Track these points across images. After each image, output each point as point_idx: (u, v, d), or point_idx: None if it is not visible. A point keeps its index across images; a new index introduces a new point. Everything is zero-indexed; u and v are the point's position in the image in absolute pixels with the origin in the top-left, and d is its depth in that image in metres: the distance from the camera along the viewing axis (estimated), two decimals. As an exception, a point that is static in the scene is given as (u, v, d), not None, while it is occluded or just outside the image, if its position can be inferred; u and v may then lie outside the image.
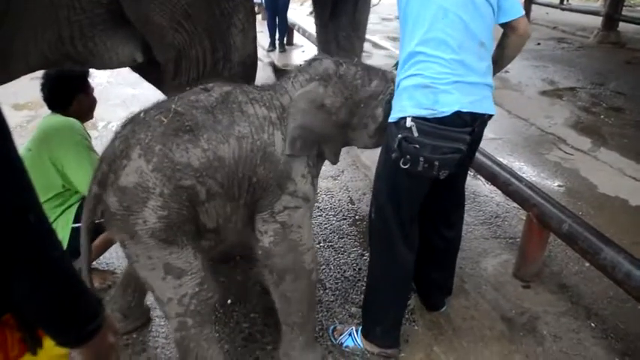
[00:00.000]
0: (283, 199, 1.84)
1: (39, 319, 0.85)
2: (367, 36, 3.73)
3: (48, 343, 0.91)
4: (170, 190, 1.63)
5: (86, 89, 2.63)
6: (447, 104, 1.79)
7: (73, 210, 2.46)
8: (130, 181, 1.62)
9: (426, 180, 1.94)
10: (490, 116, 1.93)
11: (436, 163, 1.81)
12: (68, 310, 0.85)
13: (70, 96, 2.56)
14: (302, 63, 2.03)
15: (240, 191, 1.77)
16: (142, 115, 1.75)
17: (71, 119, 2.54)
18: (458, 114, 1.80)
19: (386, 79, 2.02)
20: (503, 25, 1.95)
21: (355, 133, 2.03)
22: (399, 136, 1.81)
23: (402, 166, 1.83)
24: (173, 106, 1.73)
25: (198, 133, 1.68)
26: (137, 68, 2.57)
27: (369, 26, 3.57)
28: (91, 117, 2.76)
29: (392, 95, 1.96)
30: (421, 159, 1.79)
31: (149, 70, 2.52)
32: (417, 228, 2.13)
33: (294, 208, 1.86)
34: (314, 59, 2.00)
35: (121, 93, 5.67)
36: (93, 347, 0.89)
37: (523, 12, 1.95)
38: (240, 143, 1.73)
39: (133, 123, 1.73)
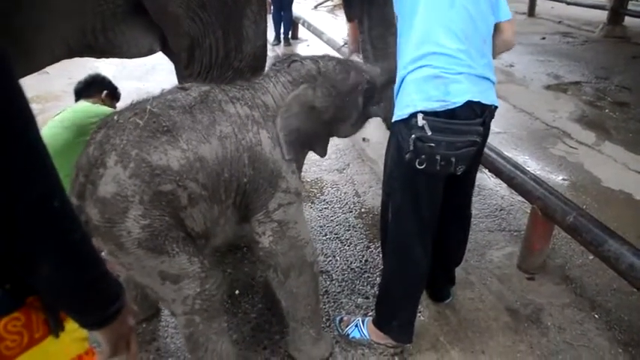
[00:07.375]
0: (277, 197, 1.81)
1: (62, 301, 0.86)
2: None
3: (70, 325, 0.92)
4: (149, 196, 1.53)
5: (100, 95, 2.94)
6: (459, 94, 1.75)
7: None
8: (109, 191, 1.51)
9: (443, 178, 1.93)
10: (495, 108, 1.93)
11: (452, 159, 1.78)
12: (90, 292, 0.86)
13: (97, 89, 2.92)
14: (277, 62, 2.01)
15: (227, 193, 1.70)
16: (115, 117, 1.63)
17: (99, 105, 2.81)
18: (469, 104, 1.77)
19: (358, 68, 2.06)
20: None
21: (339, 124, 2.07)
22: (413, 136, 1.77)
23: (418, 167, 1.79)
24: (148, 106, 1.63)
25: (177, 134, 1.59)
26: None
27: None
28: None
29: (370, 84, 2.00)
30: (437, 157, 1.75)
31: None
32: (432, 230, 2.08)
33: (287, 205, 1.84)
34: (292, 60, 1.96)
35: (126, 86, 5.68)
36: (114, 329, 0.91)
37: (511, 17, 1.94)
38: (223, 143, 1.65)
39: (107, 127, 1.61)
